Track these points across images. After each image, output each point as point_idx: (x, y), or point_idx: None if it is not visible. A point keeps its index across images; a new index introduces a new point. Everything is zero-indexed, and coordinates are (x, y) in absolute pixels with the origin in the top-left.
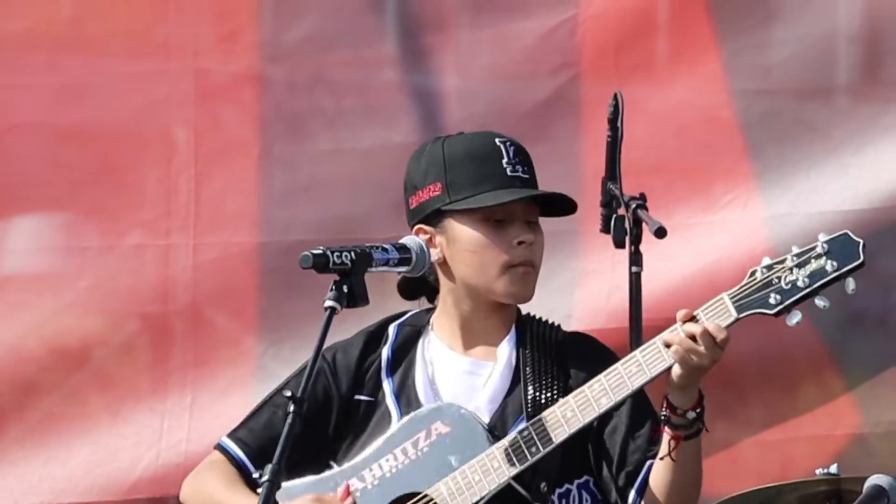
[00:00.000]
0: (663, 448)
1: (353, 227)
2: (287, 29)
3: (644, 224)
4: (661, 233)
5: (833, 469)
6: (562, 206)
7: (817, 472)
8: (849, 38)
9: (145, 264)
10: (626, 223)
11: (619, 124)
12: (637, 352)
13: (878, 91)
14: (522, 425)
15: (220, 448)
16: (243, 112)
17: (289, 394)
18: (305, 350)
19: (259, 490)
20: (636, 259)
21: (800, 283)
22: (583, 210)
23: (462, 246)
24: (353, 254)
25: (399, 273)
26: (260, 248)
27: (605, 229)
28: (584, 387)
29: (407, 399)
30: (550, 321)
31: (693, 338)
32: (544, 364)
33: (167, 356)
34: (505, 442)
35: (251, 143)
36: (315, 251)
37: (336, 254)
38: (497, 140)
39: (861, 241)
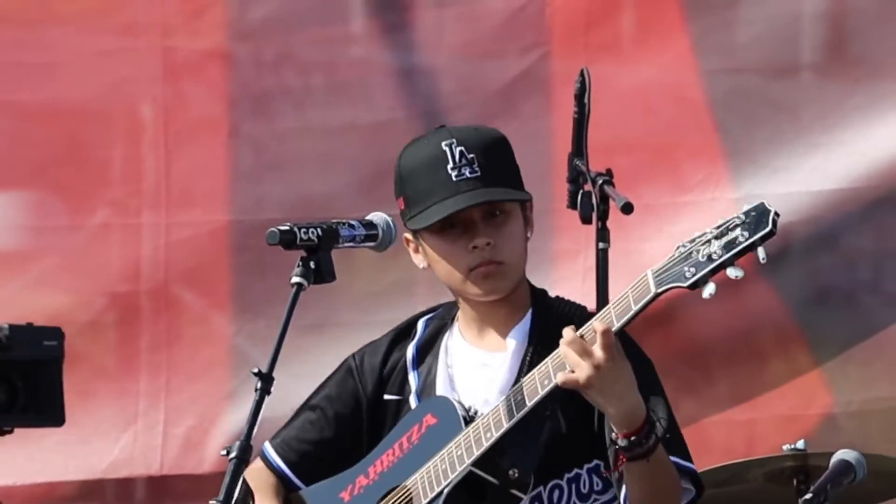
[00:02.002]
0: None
1: (324, 206)
2: (254, 7)
3: (611, 200)
4: (627, 208)
5: (800, 445)
6: (516, 186)
7: (784, 447)
8: (815, 18)
9: (114, 243)
10: (592, 199)
11: (585, 100)
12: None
13: (846, 70)
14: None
15: (262, 456)
16: (211, 90)
17: (256, 370)
18: (278, 328)
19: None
20: (603, 235)
21: (714, 255)
22: (554, 188)
23: (430, 256)
24: (319, 230)
25: (368, 248)
26: (231, 227)
27: (572, 205)
28: (531, 373)
29: (427, 395)
30: (575, 302)
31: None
32: (551, 350)
33: (137, 336)
34: (469, 429)
35: (220, 121)
36: (282, 227)
37: (303, 230)
38: (444, 143)
39: (773, 210)
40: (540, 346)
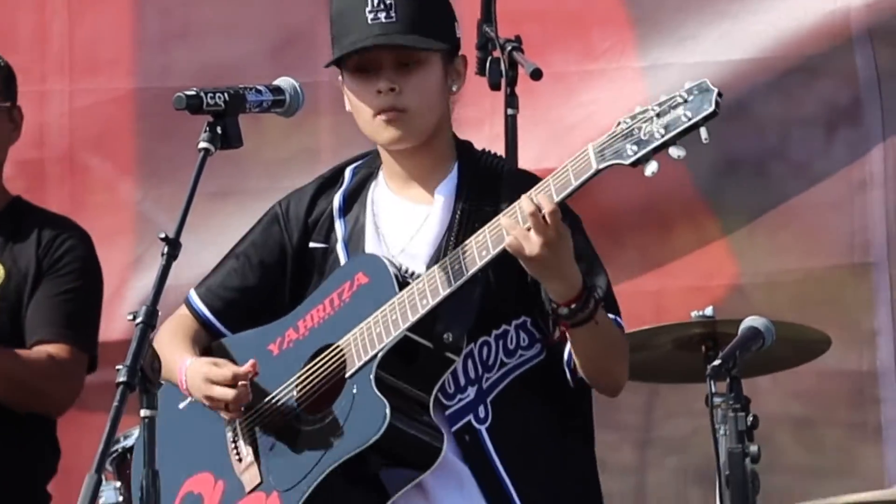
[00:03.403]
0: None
1: (231, 73)
2: None
3: (519, 67)
4: (536, 74)
5: (708, 312)
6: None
7: (692, 314)
8: None
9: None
10: (501, 65)
11: None
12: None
13: None
14: (419, 275)
15: (186, 302)
16: None
17: (162, 235)
18: (184, 195)
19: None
20: (511, 101)
21: (656, 134)
22: None
23: (347, 98)
24: (226, 95)
25: (276, 114)
26: (136, 94)
27: (481, 72)
28: (468, 241)
29: (355, 245)
30: (500, 155)
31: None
32: (480, 207)
33: (43, 202)
34: (404, 293)
35: None
36: (188, 92)
37: (209, 95)
38: None
39: (716, 90)
40: (469, 200)
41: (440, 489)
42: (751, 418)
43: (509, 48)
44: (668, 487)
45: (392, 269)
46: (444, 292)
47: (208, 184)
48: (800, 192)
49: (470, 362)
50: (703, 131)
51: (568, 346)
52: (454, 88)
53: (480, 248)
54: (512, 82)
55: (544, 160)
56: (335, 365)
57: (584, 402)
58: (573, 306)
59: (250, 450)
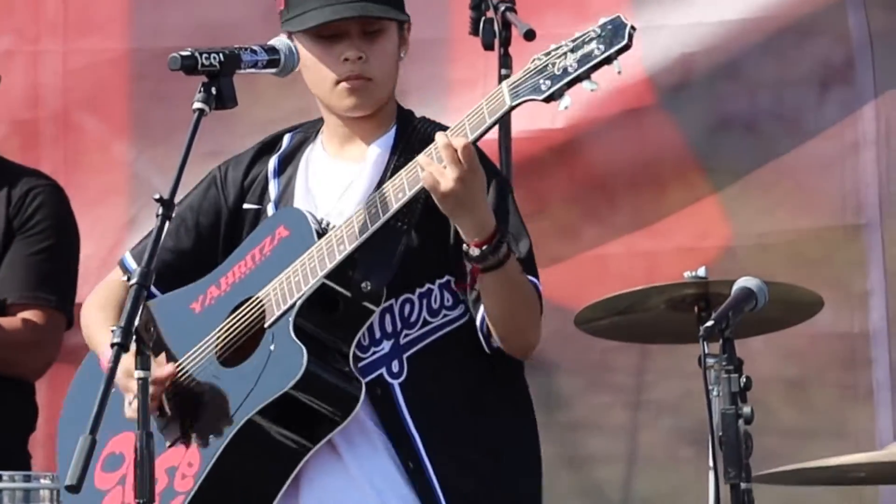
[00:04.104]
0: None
1: (225, 34)
2: None
3: (513, 27)
4: (529, 35)
5: (701, 272)
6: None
7: (685, 275)
8: None
9: (14, 70)
10: (494, 25)
11: None
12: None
13: None
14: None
15: (121, 264)
16: None
17: (157, 196)
18: (178, 155)
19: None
20: (505, 62)
21: (569, 68)
22: (453, 17)
23: (302, 61)
24: (221, 55)
25: (270, 74)
26: (130, 55)
27: (475, 32)
28: (385, 185)
29: (285, 204)
30: (440, 123)
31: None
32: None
33: (37, 162)
34: (322, 241)
35: None
36: (183, 53)
37: (204, 55)
38: None
39: (629, 24)
40: (402, 158)
41: (352, 449)
42: (744, 380)
43: (503, 8)
44: (660, 448)
45: (311, 220)
46: (361, 237)
47: (202, 144)
48: (792, 151)
49: (388, 317)
50: (616, 64)
51: (481, 311)
52: (402, 55)
53: (397, 191)
54: (505, 43)
55: (537, 121)
56: (254, 316)
57: (514, 370)
58: (484, 248)
59: (171, 405)
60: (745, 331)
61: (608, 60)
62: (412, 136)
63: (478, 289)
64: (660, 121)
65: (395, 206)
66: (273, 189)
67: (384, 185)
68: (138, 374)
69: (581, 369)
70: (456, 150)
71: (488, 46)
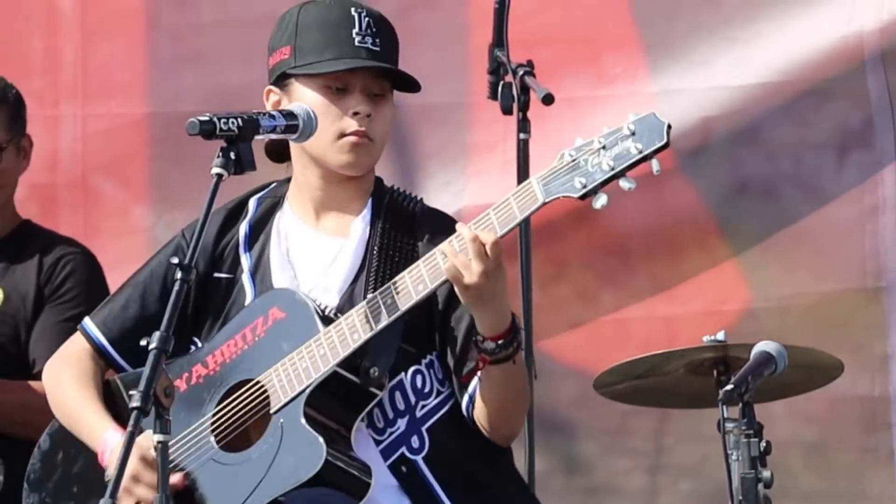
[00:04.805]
0: (472, 362)
1: (242, 99)
2: None
3: (531, 91)
4: (548, 99)
5: (720, 336)
6: (413, 81)
7: (704, 339)
8: None
9: (33, 134)
10: (513, 90)
11: None
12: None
13: None
14: (349, 311)
15: (82, 329)
16: None
17: (175, 260)
18: (197, 219)
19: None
20: (524, 126)
21: (604, 166)
22: (471, 82)
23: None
24: (239, 120)
25: (289, 139)
26: (149, 119)
27: (493, 96)
28: (402, 275)
29: (262, 277)
30: (411, 193)
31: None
32: (396, 242)
33: (55, 228)
34: (332, 328)
35: (138, 11)
36: (202, 118)
37: (223, 120)
38: (353, 10)
39: (666, 123)
40: (383, 234)
41: None
42: (764, 444)
43: (521, 72)
44: None
45: (311, 305)
46: (378, 327)
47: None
48: (812, 214)
49: (399, 394)
50: (655, 163)
51: (469, 391)
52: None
53: (416, 283)
54: (524, 107)
55: None
56: (256, 401)
57: None
58: (500, 342)
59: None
60: (765, 395)
61: (645, 159)
62: (389, 206)
63: (479, 377)
64: (679, 184)
65: (415, 298)
66: (245, 260)
67: (401, 276)
68: (157, 437)
69: (600, 433)
70: (484, 245)
71: (507, 111)
